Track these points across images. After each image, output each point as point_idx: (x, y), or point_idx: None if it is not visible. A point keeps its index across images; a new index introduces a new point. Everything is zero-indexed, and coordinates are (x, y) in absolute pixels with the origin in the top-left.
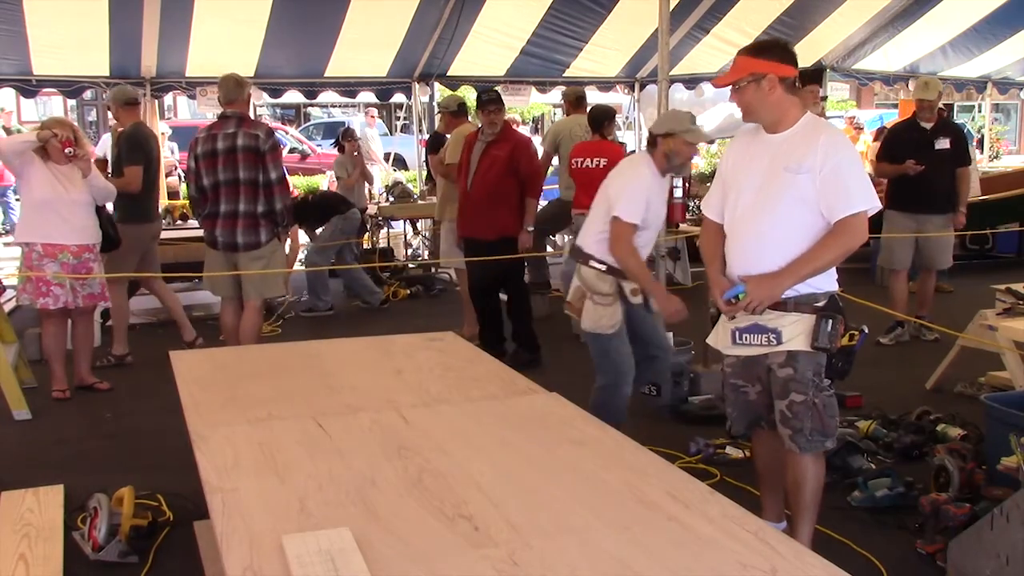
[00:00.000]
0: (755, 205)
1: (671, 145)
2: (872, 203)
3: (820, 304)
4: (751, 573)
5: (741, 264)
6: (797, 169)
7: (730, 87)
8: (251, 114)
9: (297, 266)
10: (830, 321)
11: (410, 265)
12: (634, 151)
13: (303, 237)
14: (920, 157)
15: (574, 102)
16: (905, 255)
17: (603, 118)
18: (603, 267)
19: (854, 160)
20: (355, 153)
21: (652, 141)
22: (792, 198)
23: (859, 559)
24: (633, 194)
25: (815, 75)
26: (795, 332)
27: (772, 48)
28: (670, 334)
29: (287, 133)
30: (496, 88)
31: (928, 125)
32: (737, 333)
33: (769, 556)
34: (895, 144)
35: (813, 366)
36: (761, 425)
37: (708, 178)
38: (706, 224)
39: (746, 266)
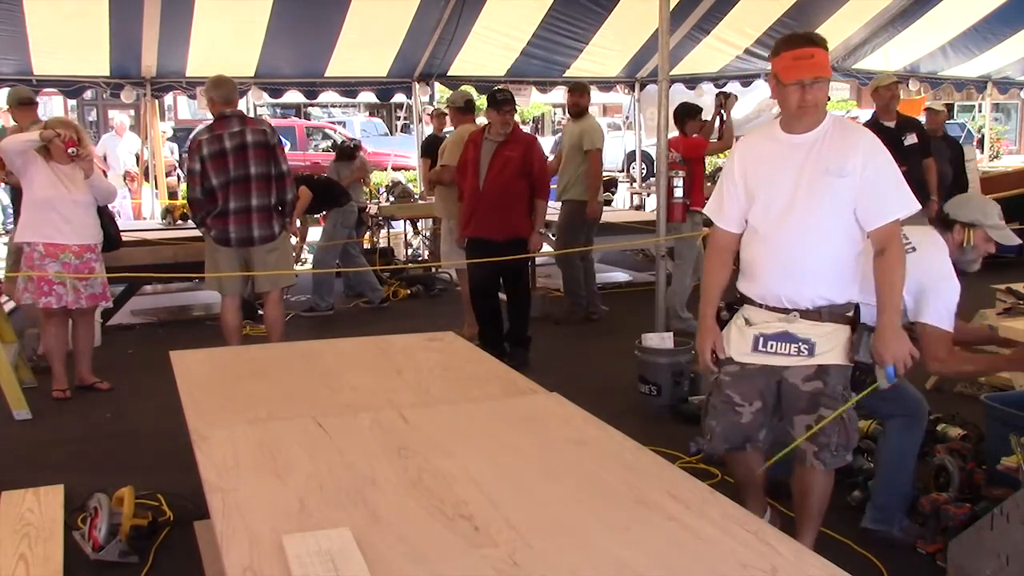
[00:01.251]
0: (792, 210)
1: (971, 236)
2: (913, 206)
3: (850, 314)
4: (751, 573)
5: (779, 272)
6: (839, 172)
7: (804, 83)
8: (252, 113)
9: (305, 267)
10: (872, 335)
11: (410, 265)
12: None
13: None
14: (894, 155)
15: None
16: None
17: (684, 115)
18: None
19: (893, 163)
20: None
21: (946, 223)
22: (832, 202)
23: (859, 559)
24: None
25: None
26: (830, 345)
27: (822, 39)
28: (670, 334)
29: (336, 131)
30: (507, 88)
31: (891, 123)
32: (762, 339)
33: (769, 556)
34: None
35: (843, 380)
36: (744, 447)
37: (710, 178)
38: (718, 238)
39: (785, 274)
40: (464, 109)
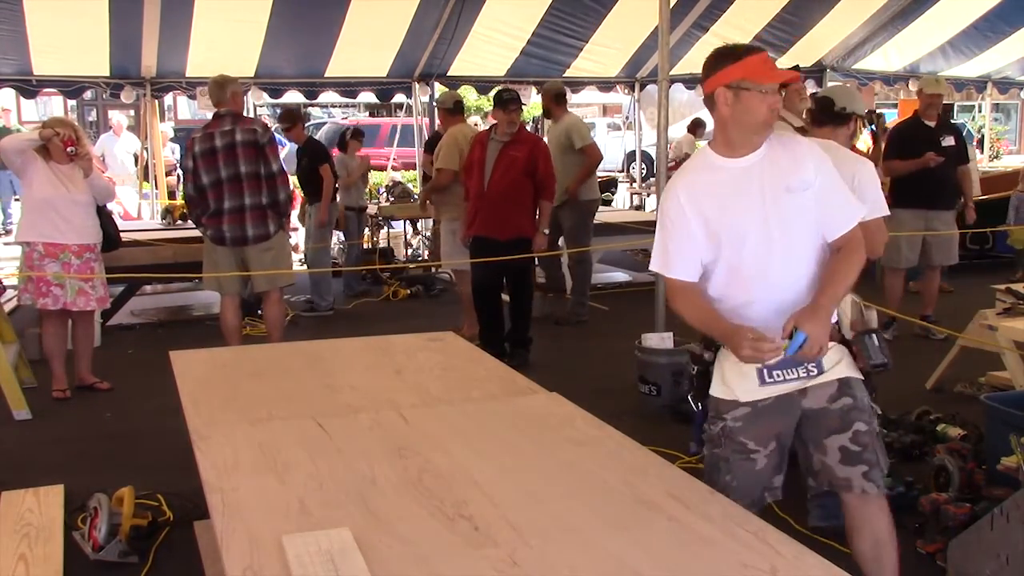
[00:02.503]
0: (770, 241)
1: (860, 126)
2: (861, 211)
3: (835, 323)
4: (751, 573)
5: (775, 310)
6: (801, 186)
7: (779, 88)
8: (252, 113)
9: (300, 266)
10: (874, 336)
11: (410, 265)
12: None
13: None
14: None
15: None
16: (914, 254)
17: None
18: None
19: (834, 168)
20: (357, 152)
21: (843, 116)
22: (805, 220)
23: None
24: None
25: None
26: (836, 358)
27: None
28: (670, 334)
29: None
30: (511, 87)
31: (932, 123)
32: (767, 371)
33: (769, 556)
34: (904, 142)
35: (864, 391)
36: (763, 499)
37: None
38: (681, 291)
39: (781, 310)
40: (453, 110)
